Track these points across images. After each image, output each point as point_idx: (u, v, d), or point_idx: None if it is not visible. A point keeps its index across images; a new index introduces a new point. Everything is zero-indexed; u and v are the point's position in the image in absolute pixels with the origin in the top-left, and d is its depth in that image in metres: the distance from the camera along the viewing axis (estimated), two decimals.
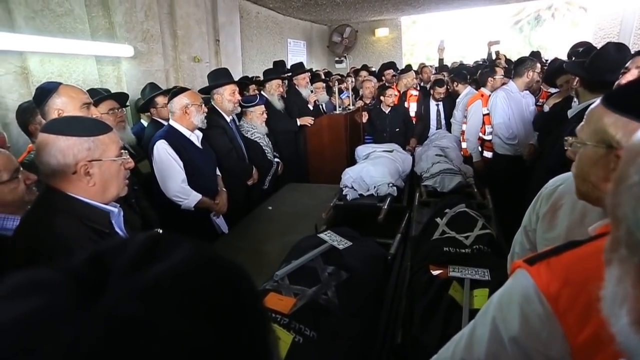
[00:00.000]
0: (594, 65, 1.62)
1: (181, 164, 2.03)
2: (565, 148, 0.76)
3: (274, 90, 3.41)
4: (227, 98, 2.50)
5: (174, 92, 2.12)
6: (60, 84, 1.40)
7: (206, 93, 2.67)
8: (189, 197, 2.04)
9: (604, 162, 0.65)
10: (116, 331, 0.21)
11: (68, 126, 0.93)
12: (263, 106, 2.91)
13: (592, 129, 0.68)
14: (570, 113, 1.72)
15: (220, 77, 2.59)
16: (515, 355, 0.55)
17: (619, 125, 0.63)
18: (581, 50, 2.95)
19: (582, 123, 0.72)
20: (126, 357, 0.20)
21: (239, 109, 2.74)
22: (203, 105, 2.15)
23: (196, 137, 2.15)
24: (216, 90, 2.52)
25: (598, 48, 1.76)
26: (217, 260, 0.28)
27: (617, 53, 1.60)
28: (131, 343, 0.21)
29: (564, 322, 0.51)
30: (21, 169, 1.12)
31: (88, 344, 0.20)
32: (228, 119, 2.58)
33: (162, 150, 2.00)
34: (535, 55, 3.80)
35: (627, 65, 1.53)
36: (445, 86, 3.93)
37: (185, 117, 2.08)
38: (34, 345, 0.20)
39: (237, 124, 2.90)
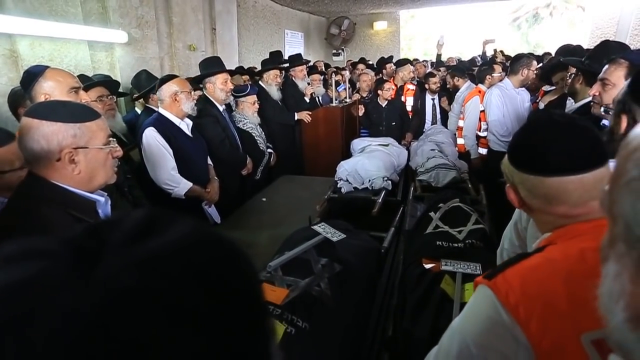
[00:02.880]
0: (595, 59, 1.61)
1: (171, 151, 2.01)
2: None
3: (272, 81, 3.36)
4: (219, 87, 2.47)
5: (162, 80, 2.08)
6: (47, 67, 1.36)
7: (198, 82, 2.62)
8: (179, 185, 2.02)
9: (508, 192, 0.76)
10: (114, 300, 0.20)
11: (53, 111, 0.89)
12: (255, 96, 2.88)
13: (503, 162, 0.78)
14: (567, 112, 1.72)
15: (212, 65, 2.54)
16: None
17: (509, 167, 0.74)
18: (567, 51, 2.98)
19: None
20: (123, 326, 0.20)
21: (232, 98, 2.70)
22: (192, 93, 2.12)
23: (186, 126, 2.12)
24: (208, 79, 2.48)
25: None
26: (217, 237, 0.27)
27: (618, 48, 1.60)
28: (129, 313, 0.20)
29: (527, 330, 0.54)
30: None
31: (85, 312, 0.20)
32: (220, 108, 2.54)
33: (151, 137, 1.97)
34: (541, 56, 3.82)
35: (601, 75, 1.43)
36: (437, 76, 3.96)
37: (175, 105, 2.04)
38: (30, 311, 0.20)
39: (232, 113, 2.87)
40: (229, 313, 0.23)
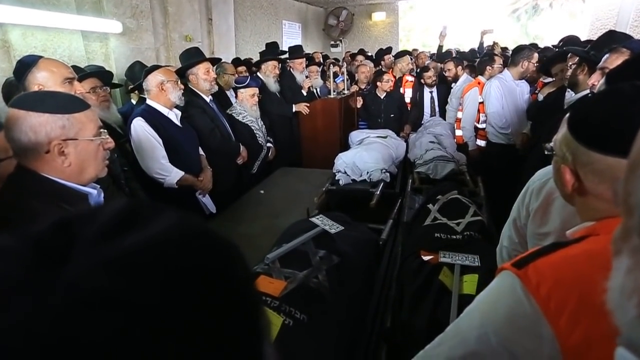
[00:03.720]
0: (600, 49, 1.59)
1: (160, 141, 1.99)
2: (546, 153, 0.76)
3: (270, 72, 3.32)
4: (202, 77, 2.42)
5: (147, 70, 2.06)
6: (40, 57, 1.33)
7: (181, 76, 2.58)
8: (170, 174, 2.00)
9: (562, 173, 0.66)
10: (77, 305, 0.18)
11: (41, 102, 0.87)
12: (255, 89, 2.84)
13: (558, 137, 0.69)
14: (567, 103, 1.70)
15: (191, 56, 2.49)
16: (502, 355, 0.55)
17: (570, 144, 0.64)
18: (562, 43, 2.95)
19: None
20: (86, 334, 0.18)
21: (217, 87, 2.65)
22: (179, 82, 2.09)
23: (175, 115, 2.10)
24: (190, 70, 2.44)
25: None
26: (205, 232, 0.24)
27: (623, 39, 1.58)
28: (94, 318, 0.18)
29: (555, 324, 0.51)
30: None
31: (44, 319, 0.18)
32: (207, 98, 2.50)
33: (140, 128, 1.95)
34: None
35: (602, 64, 1.43)
36: (432, 70, 3.92)
37: (162, 95, 2.02)
38: None
39: (233, 104, 2.83)
40: (215, 316, 0.21)
